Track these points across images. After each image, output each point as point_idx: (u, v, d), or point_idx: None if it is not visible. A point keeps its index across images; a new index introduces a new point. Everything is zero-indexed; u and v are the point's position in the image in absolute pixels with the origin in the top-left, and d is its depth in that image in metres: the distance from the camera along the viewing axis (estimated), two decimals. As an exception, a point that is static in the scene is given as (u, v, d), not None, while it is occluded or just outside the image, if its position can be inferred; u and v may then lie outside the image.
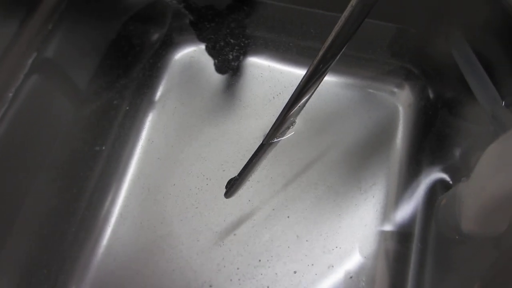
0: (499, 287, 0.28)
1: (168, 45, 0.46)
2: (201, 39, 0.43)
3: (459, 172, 0.36)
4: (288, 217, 0.39)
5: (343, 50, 0.27)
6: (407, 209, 0.40)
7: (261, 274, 0.37)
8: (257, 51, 0.46)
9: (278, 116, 0.30)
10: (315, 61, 0.27)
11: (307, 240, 0.38)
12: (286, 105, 0.30)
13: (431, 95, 0.44)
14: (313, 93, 0.30)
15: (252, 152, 0.35)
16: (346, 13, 0.25)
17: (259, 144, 0.38)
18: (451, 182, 0.37)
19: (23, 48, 0.34)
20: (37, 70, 0.35)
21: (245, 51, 0.46)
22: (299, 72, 0.46)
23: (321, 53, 0.27)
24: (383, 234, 0.39)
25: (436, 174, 0.40)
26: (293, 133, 0.30)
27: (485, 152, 0.26)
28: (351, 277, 0.37)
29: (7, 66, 0.33)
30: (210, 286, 0.37)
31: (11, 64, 0.33)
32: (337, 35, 0.26)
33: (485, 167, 0.25)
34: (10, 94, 0.33)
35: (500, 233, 0.27)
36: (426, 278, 0.37)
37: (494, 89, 0.34)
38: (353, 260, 0.38)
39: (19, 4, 0.34)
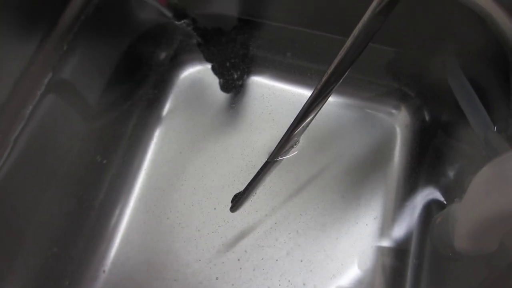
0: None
1: (176, 63, 0.48)
2: (208, 59, 0.45)
3: (453, 192, 0.38)
4: (289, 231, 0.41)
5: (345, 74, 0.29)
6: (403, 226, 0.41)
7: (262, 285, 0.39)
8: (260, 71, 0.48)
9: (283, 135, 0.32)
10: (319, 85, 0.29)
11: (308, 254, 0.40)
12: (291, 125, 0.31)
13: (427, 117, 0.46)
14: (316, 114, 0.31)
15: (255, 167, 0.37)
16: (348, 42, 0.27)
17: (262, 159, 0.39)
18: (445, 202, 0.39)
19: (40, 68, 0.35)
20: (52, 88, 0.36)
21: (249, 71, 0.48)
22: (301, 91, 0.48)
23: (325, 77, 0.29)
24: (380, 250, 0.41)
25: (432, 193, 0.41)
26: (296, 152, 0.32)
27: (477, 175, 0.27)
28: (349, 291, 0.39)
29: (25, 85, 0.34)
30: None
31: (28, 83, 0.35)
32: (341, 61, 0.28)
33: (476, 190, 0.27)
34: (28, 112, 0.34)
35: (491, 252, 0.28)
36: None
37: (486, 114, 0.36)
38: (352, 274, 0.40)
39: (37, 26, 0.36)
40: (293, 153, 0.33)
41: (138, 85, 0.47)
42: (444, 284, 0.35)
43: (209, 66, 0.46)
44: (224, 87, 0.46)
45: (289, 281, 0.39)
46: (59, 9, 0.37)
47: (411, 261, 0.40)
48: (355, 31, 0.26)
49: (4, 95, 0.33)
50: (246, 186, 0.34)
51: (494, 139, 0.34)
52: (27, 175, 0.35)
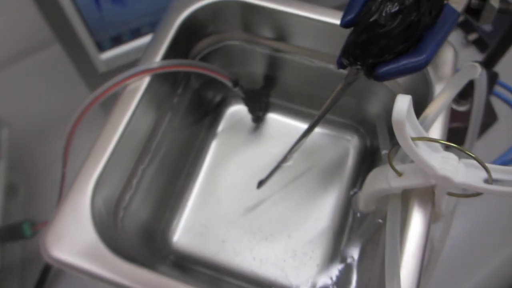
0: (375, 239, 0.63)
1: (226, 104, 0.79)
2: (246, 105, 0.77)
3: (365, 185, 0.70)
4: (285, 202, 0.70)
5: (324, 117, 0.47)
6: (347, 202, 0.71)
7: (268, 235, 0.72)
8: (276, 111, 0.76)
9: (288, 150, 0.53)
10: (312, 123, 0.47)
11: (293, 216, 0.73)
12: (292, 145, 0.51)
13: (368, 144, 0.75)
14: (306, 138, 0.50)
15: (269, 167, 0.70)
16: (325, 103, 0.46)
17: (274, 163, 0.73)
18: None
19: (168, 105, 0.68)
20: (168, 122, 0.69)
21: (269, 110, 0.80)
22: (299, 124, 0.72)
23: (315, 119, 0.47)
24: (334, 215, 0.71)
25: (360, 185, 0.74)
26: (291, 162, 0.65)
27: (368, 175, 0.58)
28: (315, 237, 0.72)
29: (160, 120, 0.67)
30: (225, 239, 0.72)
31: (160, 119, 0.68)
32: (323, 111, 0.45)
33: (367, 181, 0.55)
34: (158, 136, 0.68)
35: (373, 210, 0.61)
36: (351, 240, 0.71)
37: (390, 147, 0.68)
38: (317, 229, 0.72)
39: (170, 81, 0.68)
40: (290, 161, 0.65)
41: (203, 115, 0.80)
42: (359, 230, 0.69)
43: (246, 108, 0.80)
44: (254, 120, 0.73)
45: (283, 231, 0.72)
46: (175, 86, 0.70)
47: (349, 222, 0.72)
48: (328, 100, 0.45)
49: (150, 126, 0.65)
50: (266, 176, 0.67)
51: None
52: (160, 165, 0.68)
